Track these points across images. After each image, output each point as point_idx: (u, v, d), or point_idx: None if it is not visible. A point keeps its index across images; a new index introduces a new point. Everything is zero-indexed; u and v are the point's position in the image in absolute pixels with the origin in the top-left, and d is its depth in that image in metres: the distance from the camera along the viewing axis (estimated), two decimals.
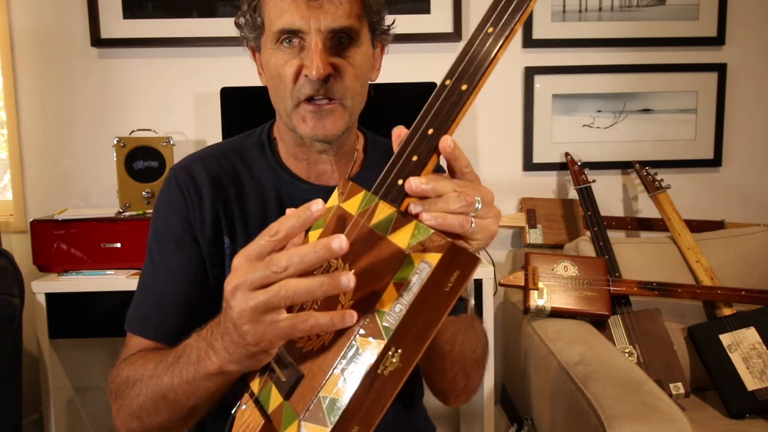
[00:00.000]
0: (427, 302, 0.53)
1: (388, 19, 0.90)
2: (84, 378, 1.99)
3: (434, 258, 0.52)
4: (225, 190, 0.91)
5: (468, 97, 0.60)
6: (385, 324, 0.53)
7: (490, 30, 0.61)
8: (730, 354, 1.70)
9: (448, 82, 0.62)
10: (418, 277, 0.53)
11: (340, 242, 0.53)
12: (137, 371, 0.78)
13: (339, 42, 0.82)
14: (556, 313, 1.67)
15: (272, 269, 0.54)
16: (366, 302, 0.56)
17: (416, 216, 0.58)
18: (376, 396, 0.53)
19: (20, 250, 2.05)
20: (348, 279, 0.54)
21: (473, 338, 0.87)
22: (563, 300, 1.68)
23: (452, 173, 0.63)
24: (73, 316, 1.76)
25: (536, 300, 1.67)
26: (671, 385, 1.66)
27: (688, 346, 1.80)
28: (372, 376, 0.52)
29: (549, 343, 1.56)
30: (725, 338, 1.72)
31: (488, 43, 0.61)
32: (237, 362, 0.62)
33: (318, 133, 0.84)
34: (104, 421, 2.05)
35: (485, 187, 0.62)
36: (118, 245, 1.77)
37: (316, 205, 0.56)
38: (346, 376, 0.54)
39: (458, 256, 0.52)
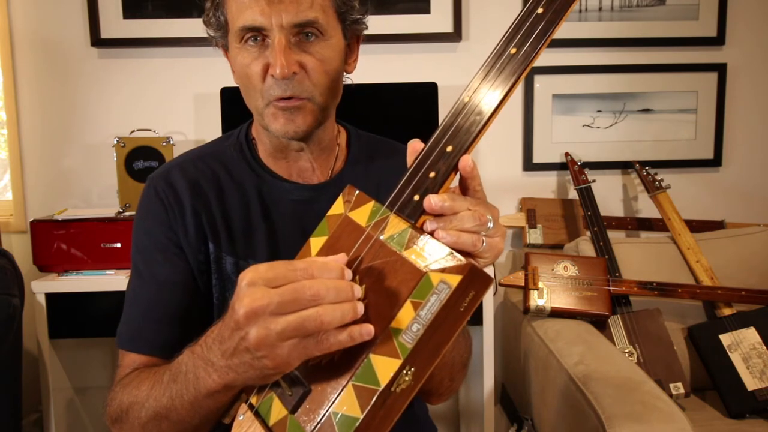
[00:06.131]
0: (443, 322, 0.53)
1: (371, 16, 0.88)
2: (84, 378, 1.99)
3: (454, 279, 0.53)
4: (205, 195, 0.88)
5: (489, 118, 0.59)
6: (401, 342, 0.53)
7: (513, 51, 0.60)
8: (730, 354, 1.69)
9: (467, 99, 0.60)
10: (437, 297, 0.53)
11: (358, 291, 0.57)
12: (132, 394, 0.76)
13: (305, 37, 0.79)
14: (556, 313, 1.67)
15: (305, 296, 0.54)
16: (379, 319, 0.56)
17: (431, 233, 0.58)
18: (386, 412, 0.53)
19: (20, 250, 2.05)
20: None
21: (462, 344, 0.86)
22: (563, 300, 1.68)
23: (464, 191, 0.63)
24: (73, 316, 1.75)
25: (536, 300, 1.67)
26: (671, 385, 1.66)
27: (688, 346, 1.80)
28: (385, 394, 0.53)
29: (549, 343, 1.56)
30: (725, 338, 1.72)
31: (510, 66, 0.60)
32: (244, 381, 0.61)
33: (289, 130, 0.81)
34: (104, 421, 2.04)
35: (492, 205, 0.63)
36: (118, 245, 1.77)
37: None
38: (359, 393, 0.54)
39: (476, 277, 0.53)
